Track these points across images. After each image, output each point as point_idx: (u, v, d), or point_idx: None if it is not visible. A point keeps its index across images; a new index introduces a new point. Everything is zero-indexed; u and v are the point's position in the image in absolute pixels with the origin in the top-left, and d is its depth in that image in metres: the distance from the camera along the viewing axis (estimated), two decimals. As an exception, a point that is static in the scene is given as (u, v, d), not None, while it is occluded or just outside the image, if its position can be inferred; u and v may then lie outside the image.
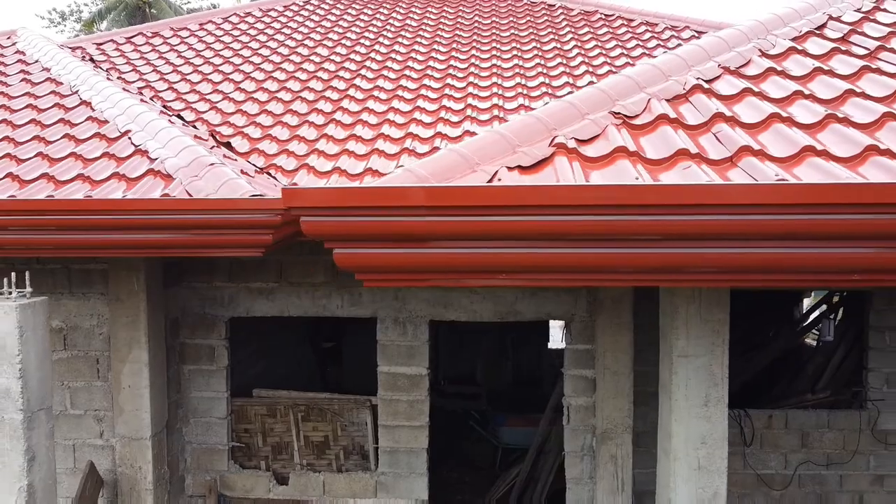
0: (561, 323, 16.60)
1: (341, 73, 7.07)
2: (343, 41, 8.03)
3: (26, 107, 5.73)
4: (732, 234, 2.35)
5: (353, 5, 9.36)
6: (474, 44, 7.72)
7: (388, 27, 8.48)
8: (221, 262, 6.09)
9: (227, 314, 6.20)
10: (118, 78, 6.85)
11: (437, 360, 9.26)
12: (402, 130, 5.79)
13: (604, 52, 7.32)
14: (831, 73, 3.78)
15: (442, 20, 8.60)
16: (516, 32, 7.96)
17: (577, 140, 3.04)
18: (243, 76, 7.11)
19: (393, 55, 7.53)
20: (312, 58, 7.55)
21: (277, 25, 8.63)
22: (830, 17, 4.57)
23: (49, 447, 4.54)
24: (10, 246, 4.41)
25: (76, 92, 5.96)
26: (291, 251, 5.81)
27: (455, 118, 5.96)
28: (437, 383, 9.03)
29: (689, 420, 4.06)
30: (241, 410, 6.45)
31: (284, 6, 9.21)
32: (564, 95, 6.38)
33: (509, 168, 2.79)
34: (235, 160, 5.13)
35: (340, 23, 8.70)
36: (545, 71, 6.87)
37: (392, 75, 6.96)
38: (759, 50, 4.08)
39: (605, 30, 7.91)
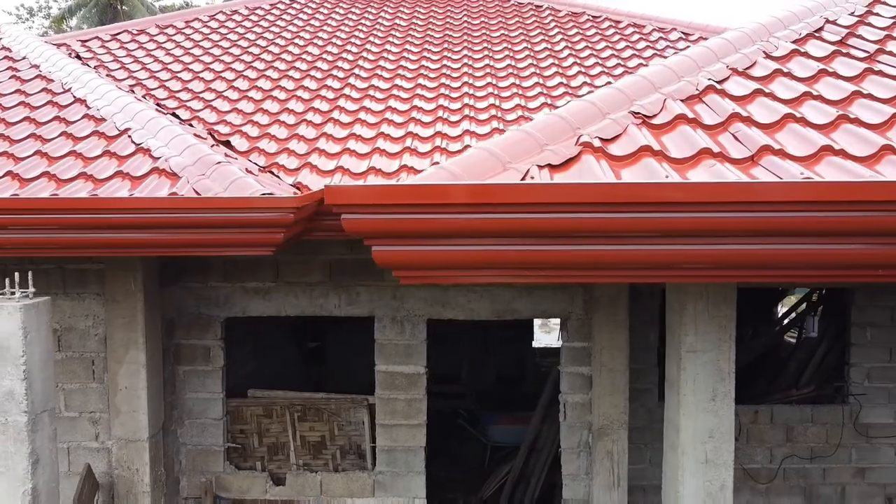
0: (543, 322, 16.64)
1: (335, 73, 7.06)
2: (333, 40, 8.01)
3: (19, 104, 5.63)
4: (766, 230, 2.42)
5: (341, 4, 9.34)
6: (465, 44, 7.75)
7: (377, 27, 8.48)
8: (217, 262, 6.05)
9: (222, 314, 6.16)
10: (107, 75, 6.75)
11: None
12: (402, 130, 5.80)
13: (594, 52, 7.40)
14: (835, 74, 3.88)
15: (431, 20, 8.62)
16: (506, 33, 8.02)
17: (602, 139, 3.10)
18: (235, 74, 7.06)
19: (385, 55, 7.54)
20: (304, 56, 7.52)
21: (265, 24, 8.58)
22: (827, 21, 4.69)
23: (52, 450, 4.47)
24: (13, 245, 4.33)
25: (69, 89, 5.87)
26: (289, 250, 5.78)
27: (454, 117, 5.99)
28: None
29: (697, 414, 4.14)
30: (237, 411, 6.41)
31: (271, 4, 9.16)
32: (559, 96, 6.47)
33: (540, 166, 2.83)
34: (236, 159, 5.10)
35: (329, 21, 8.68)
36: (538, 71, 6.93)
37: (386, 74, 6.97)
38: (763, 52, 4.18)
39: (593, 31, 8.00)
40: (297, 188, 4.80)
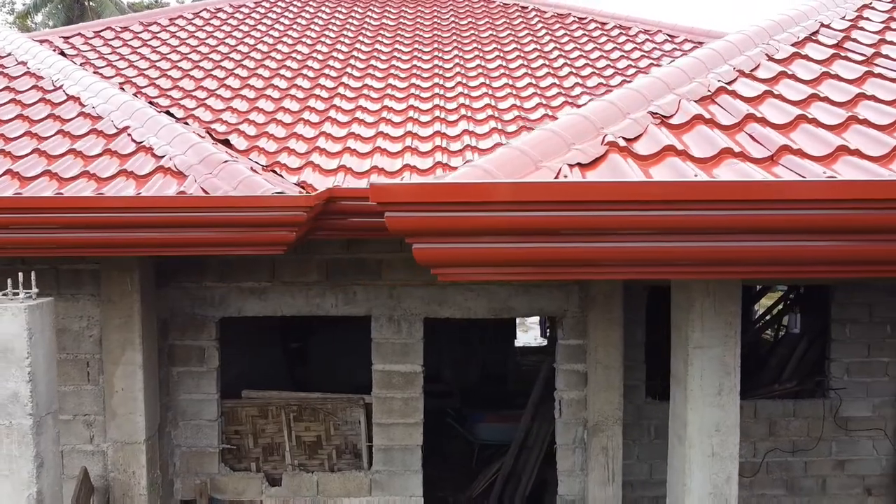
0: (521, 321, 16.73)
1: (327, 72, 7.04)
2: (322, 39, 7.99)
3: (9, 101, 5.53)
4: (801, 228, 2.50)
5: (326, 3, 9.31)
6: (455, 44, 7.79)
7: (365, 27, 8.47)
8: (212, 262, 6.00)
9: (217, 314, 6.11)
10: (94, 73, 6.65)
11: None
12: (401, 129, 5.82)
13: (583, 53, 7.50)
14: (838, 77, 4.00)
15: (419, 20, 8.64)
16: (494, 34, 8.08)
17: (625, 139, 3.16)
18: (226, 72, 7.00)
19: (376, 54, 7.54)
20: (294, 55, 7.49)
21: (251, 22, 8.52)
22: (822, 25, 4.83)
23: (56, 452, 4.41)
24: (15, 245, 4.25)
25: (60, 87, 5.77)
26: (286, 250, 5.77)
27: (451, 117, 6.02)
28: None
29: (704, 409, 4.22)
30: (232, 412, 6.36)
31: (255, 2, 9.09)
32: (553, 96, 6.54)
33: (570, 165, 2.88)
34: (237, 159, 5.07)
35: (316, 21, 8.65)
36: (530, 72, 7.00)
37: (379, 74, 6.97)
38: (766, 54, 4.29)
39: (580, 32, 8.10)
40: (302, 187, 4.78)
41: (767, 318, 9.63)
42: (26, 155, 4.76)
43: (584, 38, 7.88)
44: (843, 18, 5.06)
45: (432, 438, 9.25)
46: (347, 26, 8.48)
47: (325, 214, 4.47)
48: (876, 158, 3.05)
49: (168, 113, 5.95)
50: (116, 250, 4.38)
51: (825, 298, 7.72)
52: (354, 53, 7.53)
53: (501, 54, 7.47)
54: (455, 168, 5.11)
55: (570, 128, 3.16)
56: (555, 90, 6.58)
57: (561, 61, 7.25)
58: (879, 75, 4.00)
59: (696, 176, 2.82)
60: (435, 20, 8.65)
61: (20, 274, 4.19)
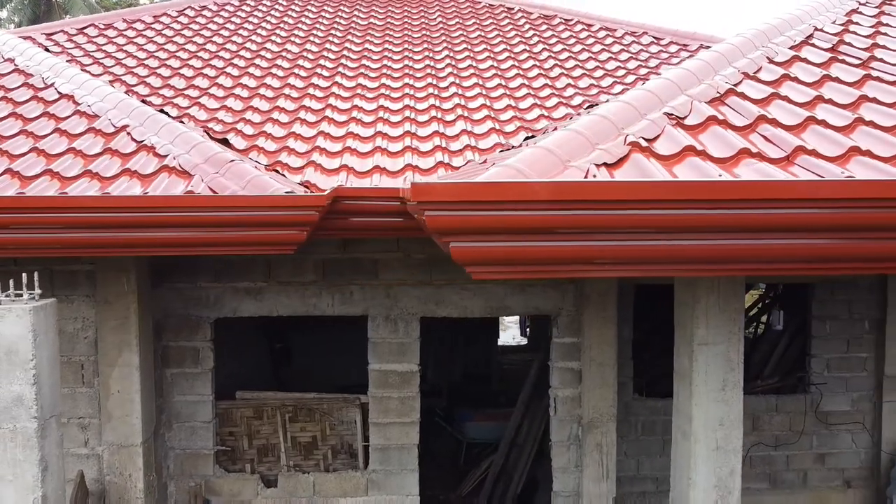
0: (504, 320, 16.82)
1: (319, 71, 7.02)
2: (311, 38, 7.96)
3: (0, 99, 5.42)
4: (829, 226, 2.58)
5: (312, 2, 9.27)
6: (445, 44, 7.82)
7: (353, 26, 8.46)
8: (207, 262, 5.95)
9: (212, 315, 6.06)
10: (82, 71, 6.54)
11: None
12: (399, 129, 5.83)
13: (572, 55, 7.58)
14: (838, 80, 4.12)
15: (406, 20, 8.65)
16: (483, 35, 8.12)
17: (645, 139, 3.22)
18: (216, 71, 6.94)
19: (367, 53, 7.54)
20: (284, 54, 7.45)
21: (237, 20, 8.44)
22: (816, 28, 4.96)
23: (59, 456, 4.34)
24: (16, 245, 4.17)
25: (52, 85, 5.68)
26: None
27: (448, 117, 6.06)
28: None
29: (709, 404, 4.31)
30: (226, 413, 6.31)
31: (240, 0, 9.02)
32: (546, 97, 6.61)
33: (597, 165, 2.93)
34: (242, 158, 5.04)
35: (303, 20, 8.60)
36: (522, 73, 7.06)
37: (372, 74, 6.97)
38: (767, 57, 4.39)
39: (567, 34, 8.19)
40: (306, 187, 4.77)
41: (749, 315, 9.81)
42: (24, 154, 4.68)
43: (572, 40, 7.97)
44: (834, 23, 5.20)
45: (420, 437, 9.28)
46: (335, 26, 8.46)
47: (332, 214, 4.47)
48: (886, 159, 3.16)
49: (162, 111, 5.89)
50: (123, 250, 4.33)
51: (805, 296, 7.91)
52: (345, 53, 7.52)
53: (492, 55, 7.52)
54: (457, 168, 5.16)
55: (592, 128, 3.21)
56: (547, 91, 6.65)
57: (551, 62, 7.32)
58: (878, 78, 4.12)
59: (720, 176, 2.89)
60: (423, 20, 8.67)
61: (23, 275, 4.12)
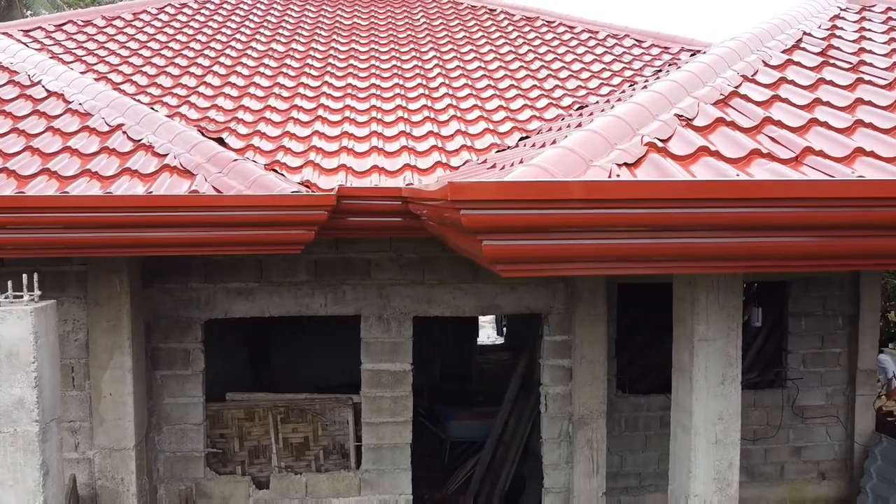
0: (483, 318, 16.88)
1: (307, 70, 6.99)
2: (297, 37, 7.91)
3: (-14, 97, 5.30)
4: (847, 223, 2.68)
5: (294, 2, 9.21)
6: (431, 44, 7.84)
7: (337, 26, 8.43)
8: (198, 263, 5.89)
9: (203, 316, 6.00)
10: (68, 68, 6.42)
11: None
12: (394, 128, 5.84)
13: (557, 56, 7.67)
14: (832, 83, 4.25)
15: (391, 21, 8.65)
16: (468, 36, 8.16)
17: (659, 139, 3.29)
18: (203, 70, 6.86)
19: (354, 53, 7.52)
20: (271, 53, 7.40)
21: (219, 18, 8.35)
22: (804, 33, 5.10)
23: (59, 460, 4.27)
24: (15, 246, 4.09)
25: (39, 82, 5.56)
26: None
27: (442, 117, 6.08)
28: None
29: (708, 398, 4.41)
30: (217, 415, 6.25)
31: (221, -1, 8.94)
32: (536, 97, 6.67)
33: (618, 164, 2.99)
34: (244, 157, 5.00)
35: (287, 19, 8.55)
36: (509, 74, 7.12)
37: (362, 74, 6.96)
38: (762, 61, 4.51)
39: (551, 35, 8.27)
40: (307, 186, 4.76)
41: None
42: (19, 153, 4.59)
43: (556, 42, 8.06)
44: (819, 27, 5.36)
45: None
46: (319, 25, 8.42)
47: (338, 213, 4.47)
48: (890, 159, 3.27)
49: (152, 110, 5.82)
50: (125, 250, 4.27)
51: (782, 293, 8.11)
52: (332, 52, 7.49)
53: (478, 55, 7.57)
54: (456, 168, 5.20)
55: (609, 128, 3.27)
56: (536, 92, 6.72)
57: (537, 63, 7.40)
58: (869, 82, 4.27)
59: (737, 175, 2.98)
60: (407, 20, 8.68)
61: (24, 276, 4.05)
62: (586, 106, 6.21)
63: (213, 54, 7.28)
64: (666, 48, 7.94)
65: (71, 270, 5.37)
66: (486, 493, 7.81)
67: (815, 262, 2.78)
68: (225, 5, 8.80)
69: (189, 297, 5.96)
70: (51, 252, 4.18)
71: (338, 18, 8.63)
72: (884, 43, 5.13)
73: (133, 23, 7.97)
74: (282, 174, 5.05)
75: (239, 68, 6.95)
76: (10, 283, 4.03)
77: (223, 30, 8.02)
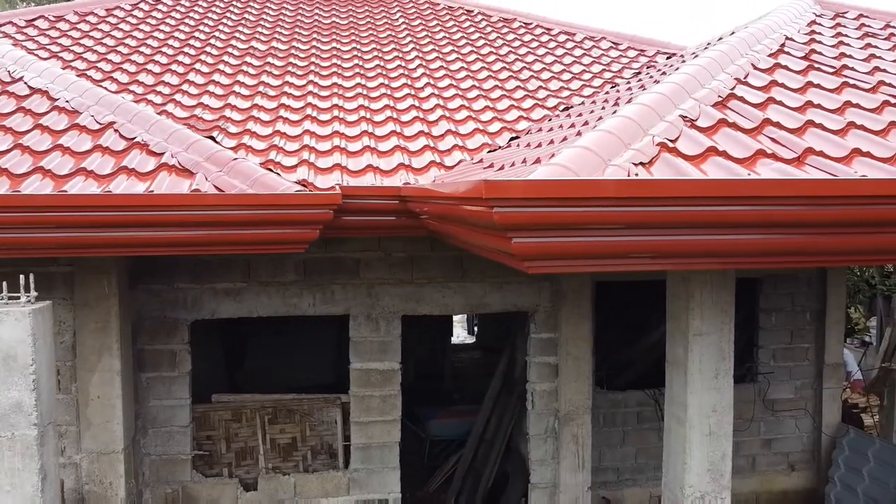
0: (458, 318, 16.88)
1: (291, 69, 6.95)
2: (277, 35, 7.85)
3: (-33, 93, 5.16)
4: (857, 221, 2.81)
5: (271, 1, 9.14)
6: (413, 45, 7.86)
7: (317, 24, 8.38)
8: (185, 263, 5.82)
9: (189, 317, 5.93)
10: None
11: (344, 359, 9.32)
12: (385, 128, 5.84)
13: (538, 58, 7.76)
14: (820, 87, 4.40)
15: (370, 20, 8.64)
16: (448, 37, 8.20)
17: (669, 140, 3.38)
18: (185, 68, 6.77)
19: (336, 52, 7.49)
20: (252, 52, 7.33)
21: (196, 16, 8.24)
22: (786, 38, 5.28)
23: (56, 464, 4.20)
24: (17, 246, 4.00)
25: (20, 79, 5.44)
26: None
27: (431, 117, 6.11)
28: (345, 382, 9.05)
29: (703, 392, 4.53)
30: (204, 417, 6.18)
31: (194, -3, 8.81)
32: (521, 98, 6.75)
33: (634, 164, 3.07)
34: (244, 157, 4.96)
35: (265, 17, 8.47)
36: (493, 74, 7.18)
37: (347, 73, 6.95)
38: (751, 64, 4.66)
39: (529, 37, 8.36)
40: (304, 185, 4.75)
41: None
42: (8, 150, 4.48)
43: (535, 43, 8.15)
44: (799, 32, 5.54)
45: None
46: (299, 23, 8.36)
47: (340, 212, 4.47)
48: (886, 160, 3.42)
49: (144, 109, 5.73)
50: (126, 250, 4.21)
51: (752, 290, 8.33)
52: (314, 52, 7.45)
53: (460, 56, 7.61)
54: (451, 167, 5.24)
55: (622, 129, 3.35)
56: (521, 92, 6.79)
57: (519, 65, 7.48)
58: (854, 86, 4.43)
59: (749, 175, 3.08)
60: (387, 21, 8.68)
61: (21, 276, 3.97)
62: (571, 107, 6.30)
63: (193, 52, 7.18)
64: (642, 51, 8.10)
65: (57, 271, 5.26)
66: (468, 490, 7.86)
67: (840, 257, 2.90)
68: (201, 2, 8.68)
69: (175, 297, 5.88)
70: (50, 253, 4.11)
71: (317, 17, 8.58)
72: (861, 48, 5.33)
73: (107, 19, 7.82)
74: (277, 173, 5.03)
75: (221, 66, 6.87)
76: (4, 284, 3.94)
77: (201, 27, 7.91)
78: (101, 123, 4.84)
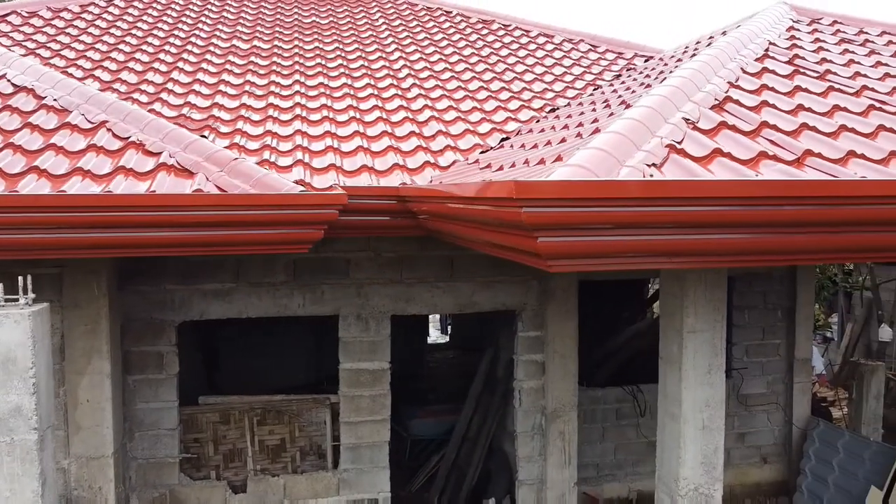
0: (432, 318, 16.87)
1: (276, 69, 6.91)
2: (257, 34, 7.79)
3: (-52, 92, 5.03)
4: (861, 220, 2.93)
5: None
6: (395, 45, 7.87)
7: (298, 23, 8.34)
8: (173, 264, 5.76)
9: (177, 318, 5.86)
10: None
11: (320, 360, 9.30)
12: (377, 128, 5.86)
13: (519, 59, 7.84)
14: (807, 90, 4.56)
15: (351, 21, 8.62)
16: (429, 36, 8.23)
17: (676, 142, 3.48)
18: (168, 66, 6.68)
19: (320, 52, 7.47)
20: (234, 50, 7.27)
21: (173, 14, 8.12)
22: (770, 43, 5.44)
23: (54, 469, 4.14)
24: (18, 246, 3.92)
25: (3, 76, 5.31)
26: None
27: (420, 117, 6.14)
28: (320, 383, 9.04)
29: (696, 387, 4.65)
30: (191, 419, 6.12)
31: (171, -6, 8.68)
32: (507, 99, 6.82)
33: (648, 165, 3.16)
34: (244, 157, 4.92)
35: (244, 16, 8.39)
36: (476, 75, 7.24)
37: (333, 73, 6.93)
38: (741, 68, 4.79)
39: (509, 38, 8.44)
40: (303, 185, 4.74)
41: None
42: (-1, 150, 4.38)
43: (515, 45, 8.23)
44: (780, 38, 5.71)
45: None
46: (279, 23, 8.31)
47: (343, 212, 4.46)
48: (879, 161, 3.57)
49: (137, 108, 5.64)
50: (126, 251, 4.14)
51: (727, 287, 8.52)
52: (297, 51, 7.42)
53: (443, 57, 7.65)
54: (445, 168, 5.28)
55: (632, 131, 3.43)
56: (506, 94, 6.87)
57: (501, 66, 7.55)
58: (839, 90, 4.60)
59: (756, 175, 3.19)
60: (368, 21, 8.67)
61: (19, 278, 3.89)
62: (558, 108, 6.40)
63: (174, 50, 7.09)
64: (620, 53, 8.24)
65: (45, 273, 5.14)
66: (451, 489, 7.90)
67: (840, 255, 3.02)
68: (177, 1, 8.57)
69: (163, 299, 5.81)
70: (51, 254, 4.03)
71: (297, 17, 8.54)
72: (840, 53, 5.52)
73: (82, 15, 7.67)
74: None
75: (205, 65, 6.80)
76: (0, 286, 3.86)
77: (180, 25, 7.81)
78: (92, 122, 4.76)
